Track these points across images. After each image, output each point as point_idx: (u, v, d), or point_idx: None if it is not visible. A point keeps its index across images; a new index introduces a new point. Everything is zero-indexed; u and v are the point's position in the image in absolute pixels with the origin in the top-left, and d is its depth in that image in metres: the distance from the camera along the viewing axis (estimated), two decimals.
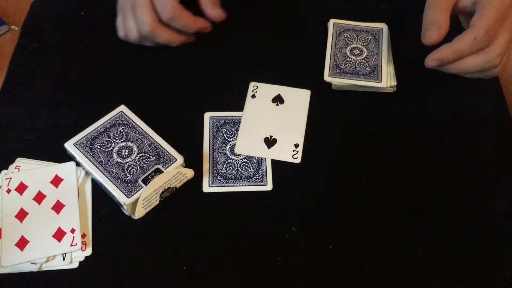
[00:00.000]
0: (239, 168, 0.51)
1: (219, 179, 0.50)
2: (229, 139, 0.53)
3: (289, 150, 0.52)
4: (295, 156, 0.52)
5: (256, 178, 0.50)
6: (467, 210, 0.49)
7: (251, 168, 0.51)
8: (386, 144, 0.53)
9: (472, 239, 0.48)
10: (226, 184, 0.50)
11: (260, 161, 0.51)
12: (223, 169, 0.51)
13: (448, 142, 0.54)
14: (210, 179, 0.50)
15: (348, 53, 0.58)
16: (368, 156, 0.52)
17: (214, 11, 0.55)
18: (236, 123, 0.54)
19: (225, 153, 0.52)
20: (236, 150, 0.52)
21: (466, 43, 0.48)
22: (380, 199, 0.50)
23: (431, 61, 0.50)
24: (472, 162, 0.52)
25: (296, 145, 0.52)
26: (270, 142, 0.53)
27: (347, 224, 0.48)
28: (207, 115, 0.54)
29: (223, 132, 0.53)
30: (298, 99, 0.56)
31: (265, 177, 0.51)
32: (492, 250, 0.47)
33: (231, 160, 0.51)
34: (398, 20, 0.62)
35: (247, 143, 0.53)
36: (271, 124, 0.54)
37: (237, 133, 0.53)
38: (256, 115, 0.54)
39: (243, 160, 0.52)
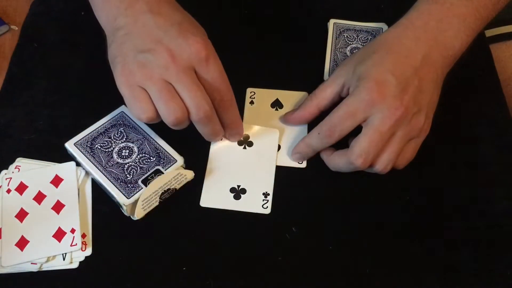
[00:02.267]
0: None
1: None
2: None
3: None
4: (299, 161, 0.52)
5: None
6: (467, 210, 0.49)
7: None
8: None
9: (472, 239, 0.48)
10: None
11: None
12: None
13: (448, 142, 0.53)
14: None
15: (348, 53, 0.58)
16: None
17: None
18: None
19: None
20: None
21: (312, 137, 0.49)
22: (380, 199, 0.50)
23: (293, 155, 0.51)
24: (472, 162, 0.52)
25: None
26: None
27: (347, 224, 0.48)
28: None
29: None
30: (297, 103, 0.55)
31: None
32: (492, 250, 0.47)
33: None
34: (398, 19, 0.62)
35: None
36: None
37: None
38: (255, 122, 0.54)
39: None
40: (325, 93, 0.51)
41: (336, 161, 0.48)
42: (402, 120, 0.45)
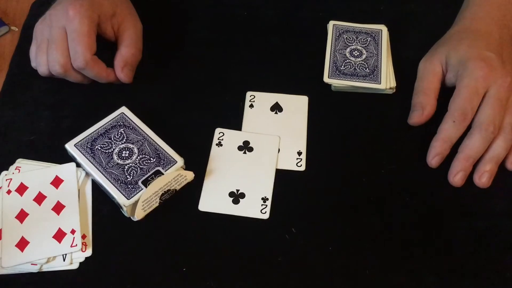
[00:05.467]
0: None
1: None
2: None
3: (292, 159, 0.52)
4: (299, 164, 0.52)
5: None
6: (467, 210, 0.49)
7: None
8: (385, 146, 0.53)
9: (471, 240, 0.48)
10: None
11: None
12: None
13: None
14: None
15: (347, 55, 0.58)
16: (368, 157, 0.53)
17: (122, 73, 0.54)
18: None
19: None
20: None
21: (448, 128, 0.51)
22: (379, 200, 0.50)
23: (432, 159, 0.51)
24: None
25: (299, 153, 0.52)
26: None
27: (347, 225, 0.49)
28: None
29: None
30: (296, 106, 0.56)
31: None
32: (491, 251, 0.47)
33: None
34: (397, 21, 0.62)
35: None
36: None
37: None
38: (255, 125, 0.54)
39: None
40: (435, 84, 0.54)
41: (475, 146, 0.50)
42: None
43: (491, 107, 0.50)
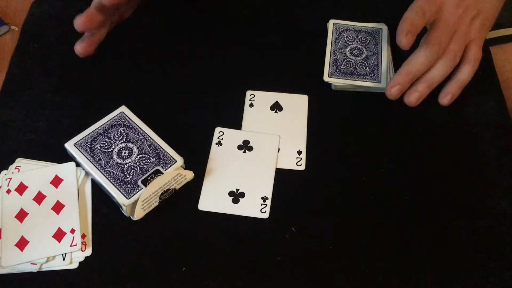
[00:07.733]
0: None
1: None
2: None
3: (292, 158, 0.52)
4: (299, 164, 0.52)
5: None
6: (467, 210, 0.49)
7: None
8: (385, 145, 0.53)
9: (471, 239, 0.48)
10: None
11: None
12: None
13: (448, 143, 0.54)
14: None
15: (347, 54, 0.58)
16: (368, 156, 0.52)
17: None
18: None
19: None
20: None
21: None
22: (379, 200, 0.50)
23: (392, 88, 0.53)
24: (472, 163, 0.52)
25: (299, 152, 0.52)
26: None
27: (347, 224, 0.48)
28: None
29: None
30: (296, 105, 0.55)
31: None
32: (491, 251, 0.47)
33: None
34: (398, 20, 0.62)
35: None
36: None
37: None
38: (255, 125, 0.54)
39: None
40: None
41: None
42: (463, 18, 0.53)
43: (438, 29, 0.52)
